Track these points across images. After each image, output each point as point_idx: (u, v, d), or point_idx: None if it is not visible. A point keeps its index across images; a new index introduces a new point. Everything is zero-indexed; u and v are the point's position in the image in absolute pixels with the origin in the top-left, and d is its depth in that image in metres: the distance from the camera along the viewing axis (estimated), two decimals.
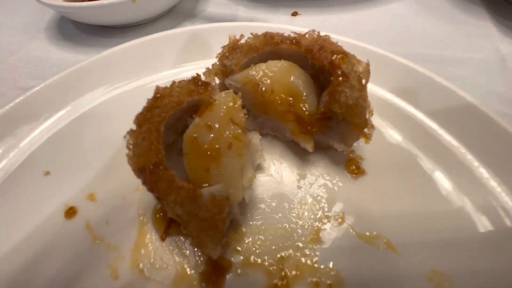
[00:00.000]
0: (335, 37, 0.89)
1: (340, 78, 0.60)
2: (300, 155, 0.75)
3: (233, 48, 0.71)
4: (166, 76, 0.93)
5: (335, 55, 0.62)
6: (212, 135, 0.57)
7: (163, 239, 0.63)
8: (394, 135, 0.76)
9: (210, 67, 0.72)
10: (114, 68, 0.91)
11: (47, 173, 0.74)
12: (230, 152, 0.58)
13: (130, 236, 0.63)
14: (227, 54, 0.70)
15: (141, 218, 0.66)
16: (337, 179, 0.71)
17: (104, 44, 1.28)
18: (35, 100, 0.81)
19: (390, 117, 0.79)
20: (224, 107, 0.59)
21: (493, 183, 0.65)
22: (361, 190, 0.68)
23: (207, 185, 0.56)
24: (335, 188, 0.69)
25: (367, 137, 0.64)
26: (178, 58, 0.98)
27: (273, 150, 0.77)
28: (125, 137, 0.55)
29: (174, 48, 0.98)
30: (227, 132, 0.58)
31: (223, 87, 0.75)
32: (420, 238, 0.60)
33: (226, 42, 0.72)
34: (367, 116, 0.61)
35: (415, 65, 0.82)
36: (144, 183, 0.50)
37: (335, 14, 1.37)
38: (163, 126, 0.55)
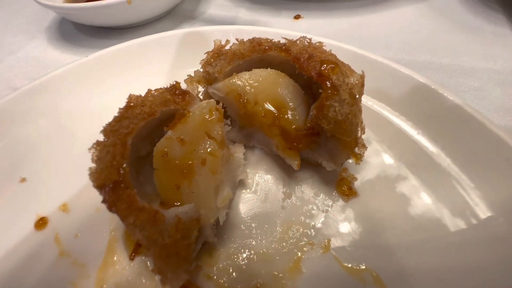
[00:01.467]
0: (332, 43, 0.84)
1: (330, 91, 0.54)
2: (287, 171, 0.70)
3: (217, 54, 0.66)
4: (157, 81, 0.90)
5: (325, 65, 0.56)
6: (184, 150, 0.53)
7: (131, 258, 0.58)
8: (391, 156, 0.69)
9: (193, 75, 0.67)
10: (99, 72, 0.88)
11: (23, 179, 0.71)
12: (203, 169, 0.53)
13: (99, 252, 0.59)
14: (211, 60, 0.66)
15: (112, 234, 0.62)
16: (326, 200, 0.64)
17: (102, 46, 1.24)
18: (16, 104, 0.79)
19: (388, 135, 0.71)
20: (199, 119, 0.54)
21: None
22: (351, 215, 0.62)
23: (178, 204, 0.52)
24: (323, 210, 0.63)
25: (358, 158, 0.57)
26: (171, 61, 0.94)
27: (259, 165, 0.72)
28: (90, 149, 0.51)
29: (167, 50, 0.95)
30: (201, 147, 0.54)
31: (207, 95, 0.70)
32: (413, 273, 0.53)
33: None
34: (358, 134, 0.55)
35: (420, 76, 0.74)
36: (103, 201, 0.46)
37: (340, 18, 1.30)
38: (131, 139, 0.51)
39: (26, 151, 0.75)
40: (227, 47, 0.67)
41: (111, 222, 0.64)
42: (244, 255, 0.57)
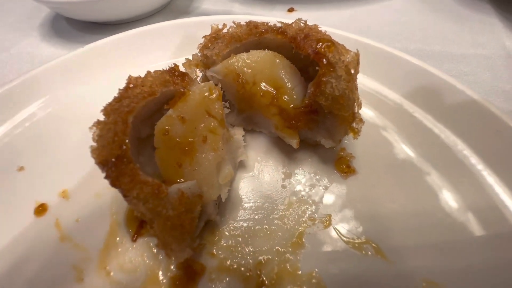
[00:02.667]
0: (330, 31, 0.86)
1: (326, 68, 0.56)
2: (286, 152, 0.71)
3: (215, 38, 0.67)
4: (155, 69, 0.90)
5: (321, 43, 0.57)
6: (185, 128, 0.53)
7: (134, 240, 0.58)
8: (388, 132, 0.71)
9: (191, 58, 0.68)
10: (93, 62, 0.88)
11: (21, 168, 0.71)
12: (204, 146, 0.54)
13: (100, 236, 0.59)
14: (208, 44, 0.66)
15: (113, 217, 0.62)
16: (325, 178, 0.65)
17: (95, 41, 1.26)
18: (12, 94, 0.78)
19: (385, 112, 0.73)
20: (199, 97, 0.55)
21: (493, 183, 0.59)
22: (351, 191, 0.63)
23: (180, 181, 0.52)
24: (323, 188, 0.64)
25: (355, 132, 0.59)
26: (165, 52, 0.95)
27: (258, 147, 0.72)
28: (91, 128, 0.51)
29: (162, 42, 0.95)
30: (202, 125, 0.54)
31: (206, 79, 0.71)
32: (412, 244, 0.54)
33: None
34: (355, 109, 0.56)
35: (413, 58, 0.76)
36: (106, 177, 0.46)
37: (333, 10, 1.33)
38: (132, 117, 0.51)
39: (23, 140, 0.74)
40: (224, 31, 0.68)
41: (112, 207, 0.64)
42: (247, 233, 0.58)
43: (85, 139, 0.73)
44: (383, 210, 0.59)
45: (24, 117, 0.77)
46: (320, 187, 0.64)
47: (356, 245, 0.55)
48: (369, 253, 0.54)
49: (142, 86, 0.55)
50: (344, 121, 0.56)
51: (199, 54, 0.68)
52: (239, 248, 0.56)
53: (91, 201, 0.65)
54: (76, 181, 0.68)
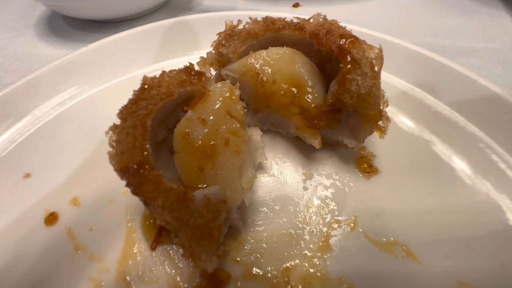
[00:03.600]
0: (348, 27, 0.84)
1: (351, 65, 0.53)
2: (305, 152, 0.69)
3: (229, 35, 0.64)
4: (156, 70, 0.87)
5: (344, 39, 0.55)
6: (206, 130, 0.51)
7: (153, 248, 0.56)
8: (410, 128, 0.69)
9: (205, 56, 0.65)
10: (98, 62, 0.85)
11: (27, 175, 0.67)
12: (227, 149, 0.51)
13: (117, 245, 0.56)
14: (223, 41, 0.64)
15: (129, 225, 0.59)
16: (348, 178, 0.64)
17: (95, 40, 1.20)
18: (14, 97, 0.74)
19: (405, 108, 0.72)
20: (220, 98, 0.52)
21: None
22: (375, 191, 0.61)
23: (202, 186, 0.50)
24: (346, 188, 0.62)
25: (382, 131, 0.57)
26: (169, 50, 0.91)
27: (275, 148, 0.70)
28: (107, 133, 0.48)
29: (164, 39, 0.92)
30: (224, 127, 0.52)
31: (220, 78, 0.68)
32: (443, 244, 0.53)
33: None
34: (381, 107, 0.54)
35: (431, 53, 0.75)
36: (128, 185, 0.43)
37: (339, 5, 1.30)
38: (150, 120, 0.48)
39: (28, 145, 0.71)
40: (240, 27, 0.65)
41: (127, 213, 0.61)
42: (271, 237, 0.56)
43: (94, 143, 0.71)
44: (409, 210, 0.58)
45: (28, 121, 0.74)
46: (343, 188, 0.62)
47: (385, 247, 0.54)
48: (399, 255, 0.53)
49: (159, 87, 0.52)
50: (370, 120, 0.54)
51: (213, 52, 0.65)
52: (264, 254, 0.54)
53: (104, 208, 0.62)
54: (87, 187, 0.65)
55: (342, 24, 0.80)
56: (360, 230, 0.56)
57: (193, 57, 0.83)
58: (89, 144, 0.71)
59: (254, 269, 0.52)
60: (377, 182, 0.62)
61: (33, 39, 1.24)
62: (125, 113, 0.49)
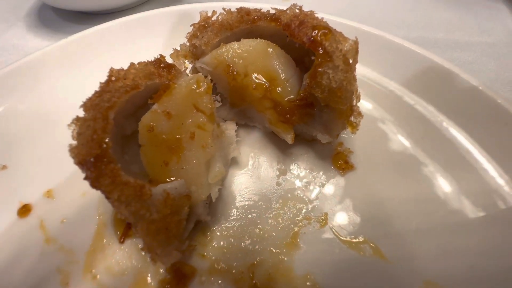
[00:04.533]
0: (327, 17, 0.81)
1: (322, 58, 0.52)
2: (281, 148, 0.67)
3: (203, 26, 0.62)
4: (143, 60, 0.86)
5: (317, 31, 0.53)
6: (171, 124, 0.50)
7: (121, 241, 0.56)
8: (388, 125, 0.67)
9: (178, 48, 0.64)
10: (78, 53, 0.84)
11: (4, 167, 0.67)
12: (192, 144, 0.50)
13: (86, 237, 0.57)
14: (197, 33, 0.62)
15: (100, 218, 0.59)
16: (322, 175, 0.62)
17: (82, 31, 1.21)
18: None
19: (384, 104, 0.70)
20: (186, 91, 0.51)
21: (499, 179, 0.56)
22: (348, 188, 0.60)
23: (169, 180, 0.49)
24: (319, 185, 0.61)
25: (354, 126, 0.55)
26: (155, 42, 0.90)
27: (252, 142, 0.69)
28: (69, 125, 0.47)
29: (152, 31, 0.91)
30: (190, 120, 0.51)
31: (195, 71, 0.67)
32: (412, 244, 0.52)
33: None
34: (353, 102, 0.53)
35: (414, 46, 0.72)
36: (86, 178, 0.43)
37: None
38: (113, 113, 0.48)
39: (4, 137, 0.71)
40: (214, 18, 0.63)
41: (99, 206, 0.61)
42: (239, 233, 0.55)
43: (70, 136, 0.71)
44: (382, 208, 0.56)
45: (4, 112, 0.74)
46: (317, 185, 0.61)
47: (354, 245, 0.53)
48: (367, 253, 0.52)
49: (125, 79, 0.51)
50: (342, 115, 0.53)
51: (188, 44, 0.64)
52: (231, 249, 0.54)
53: (77, 201, 0.62)
54: (61, 180, 0.65)
55: (325, 15, 0.78)
56: (330, 227, 0.55)
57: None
58: (64, 136, 0.71)
59: (220, 264, 0.52)
60: (351, 179, 0.61)
61: (23, 30, 1.24)
62: (88, 105, 0.48)
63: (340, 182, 0.61)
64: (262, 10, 0.63)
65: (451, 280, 0.47)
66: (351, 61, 0.53)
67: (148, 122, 0.50)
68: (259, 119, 0.68)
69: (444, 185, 0.58)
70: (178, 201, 0.45)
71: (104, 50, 0.86)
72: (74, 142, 0.46)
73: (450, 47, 0.99)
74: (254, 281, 0.50)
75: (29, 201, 0.62)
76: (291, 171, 0.64)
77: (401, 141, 0.65)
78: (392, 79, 0.73)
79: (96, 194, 0.61)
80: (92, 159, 0.42)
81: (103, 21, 1.23)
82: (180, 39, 0.90)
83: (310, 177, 0.62)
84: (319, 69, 0.52)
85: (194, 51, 0.64)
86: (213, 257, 0.53)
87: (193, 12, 0.89)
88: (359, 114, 0.55)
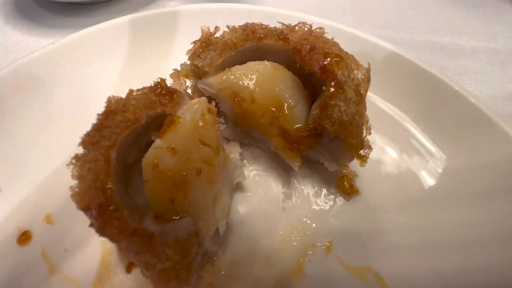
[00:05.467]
0: (331, 25, 0.77)
1: (334, 89, 0.49)
2: (286, 169, 0.66)
3: (206, 44, 0.58)
4: (138, 68, 0.80)
5: (329, 59, 0.50)
6: (176, 160, 0.48)
7: (128, 271, 0.56)
8: (393, 149, 0.67)
9: (179, 68, 0.60)
10: (67, 63, 0.77)
11: None
12: (199, 180, 0.49)
13: (92, 266, 0.56)
14: (199, 51, 0.58)
15: (104, 245, 0.58)
16: (327, 199, 0.63)
17: (70, 25, 1.11)
18: None
19: (388, 130, 0.68)
20: (191, 125, 0.48)
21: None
22: (353, 214, 0.61)
23: (175, 218, 0.48)
24: (324, 210, 0.61)
25: (363, 160, 0.55)
26: (155, 44, 0.84)
27: (256, 163, 0.68)
28: (68, 165, 0.45)
29: (152, 32, 0.84)
30: (196, 155, 0.49)
31: (196, 90, 0.64)
32: (413, 271, 0.54)
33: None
34: (364, 135, 0.52)
35: (423, 63, 0.69)
36: (91, 225, 0.42)
37: None
38: (115, 152, 0.45)
39: None
40: (217, 35, 0.59)
41: None
42: (246, 261, 0.56)
43: (66, 156, 0.68)
44: (385, 235, 0.58)
45: None
46: (322, 210, 0.61)
47: (357, 272, 0.55)
48: (370, 281, 0.54)
49: (124, 111, 0.48)
50: (351, 148, 0.52)
51: (188, 63, 0.59)
52: (239, 278, 0.55)
53: (79, 227, 0.60)
54: (60, 204, 0.63)
55: (318, 19, 0.73)
56: (335, 254, 0.56)
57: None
58: (61, 157, 0.68)
59: None
60: (356, 204, 0.62)
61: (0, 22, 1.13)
62: (87, 142, 0.45)
63: (345, 207, 0.62)
64: (268, 27, 0.58)
65: None
66: (362, 91, 0.51)
67: (152, 159, 0.47)
68: (264, 141, 0.66)
69: (448, 214, 0.59)
70: (187, 243, 0.45)
71: (101, 52, 0.80)
72: (74, 182, 0.44)
73: (456, 53, 0.96)
74: None
75: (28, 227, 0.60)
76: (296, 194, 0.64)
77: (406, 166, 0.65)
78: (393, 103, 0.71)
79: None
80: (96, 209, 0.40)
81: (88, 12, 1.14)
82: (176, 40, 0.85)
83: (316, 201, 0.63)
84: (331, 102, 0.50)
85: (195, 70, 0.60)
86: (221, 286, 0.54)
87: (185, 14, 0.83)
88: (369, 147, 0.54)
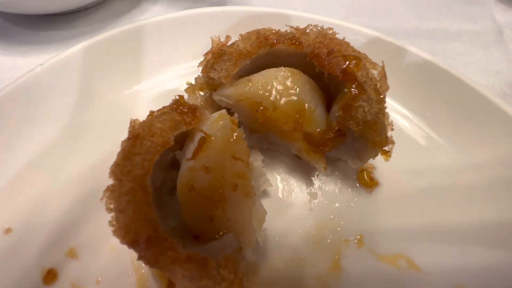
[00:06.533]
0: (325, 20, 0.77)
1: (356, 90, 0.51)
2: (307, 170, 0.68)
3: (218, 55, 0.57)
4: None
5: (348, 61, 0.51)
6: (211, 178, 0.47)
7: None
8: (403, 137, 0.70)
9: (193, 82, 0.58)
10: (63, 87, 0.72)
11: (8, 230, 0.60)
12: (236, 195, 0.49)
13: None
14: (213, 63, 0.56)
15: (138, 271, 0.57)
16: (351, 194, 0.65)
17: (48, 40, 1.02)
18: None
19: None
20: (223, 142, 0.48)
21: None
22: (377, 205, 0.64)
23: (214, 237, 0.48)
24: (350, 205, 0.64)
25: (387, 155, 0.57)
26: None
27: (276, 167, 0.69)
28: (101, 199, 0.43)
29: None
30: (229, 171, 0.48)
31: (211, 101, 0.62)
32: (441, 251, 0.58)
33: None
34: (388, 133, 0.54)
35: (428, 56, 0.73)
36: (140, 258, 0.40)
37: None
38: (150, 180, 0.44)
39: (1, 193, 0.62)
40: (228, 44, 0.57)
41: (132, 258, 0.58)
42: (285, 265, 0.57)
43: (82, 179, 0.64)
44: (411, 221, 0.61)
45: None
46: (348, 205, 0.64)
47: (390, 260, 0.58)
48: (403, 266, 0.57)
49: (152, 136, 0.46)
50: (376, 145, 0.54)
51: (202, 76, 0.58)
52: (281, 282, 0.56)
53: (106, 257, 0.58)
54: (81, 235, 0.60)
55: (336, 19, 0.74)
56: (367, 246, 0.59)
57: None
58: (75, 184, 0.64)
59: None
60: (379, 195, 0.65)
61: None
62: (118, 173, 0.43)
63: (368, 199, 0.64)
64: (280, 32, 0.58)
65: (478, 283, 0.54)
66: (381, 91, 0.53)
67: (188, 181, 0.47)
68: (283, 145, 0.66)
69: (467, 192, 0.63)
70: (235, 259, 0.45)
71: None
72: (110, 215, 0.42)
73: (443, 37, 1.01)
74: None
75: (52, 265, 0.57)
76: (321, 194, 0.65)
77: (419, 148, 0.68)
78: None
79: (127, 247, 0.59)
80: (145, 242, 0.39)
81: (66, 23, 1.06)
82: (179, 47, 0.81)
83: (341, 198, 0.65)
84: (354, 103, 0.51)
85: (210, 82, 0.58)
86: None
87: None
88: (392, 142, 0.56)
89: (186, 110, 0.50)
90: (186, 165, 0.47)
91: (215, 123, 0.50)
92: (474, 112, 0.68)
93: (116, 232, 0.41)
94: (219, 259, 0.43)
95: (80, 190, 0.64)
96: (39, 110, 0.70)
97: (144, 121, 0.48)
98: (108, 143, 0.55)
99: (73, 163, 0.67)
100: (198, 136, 0.48)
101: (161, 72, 0.81)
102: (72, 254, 0.59)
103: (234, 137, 0.48)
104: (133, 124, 0.47)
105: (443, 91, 0.71)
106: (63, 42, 1.03)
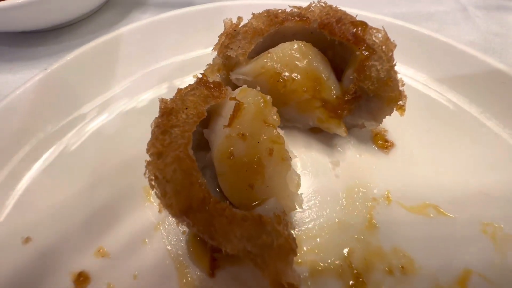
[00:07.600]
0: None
1: (367, 52, 0.55)
2: (325, 141, 0.70)
3: (232, 35, 0.59)
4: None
5: (355, 27, 0.55)
6: (247, 145, 0.48)
7: (211, 275, 0.53)
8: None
9: (211, 63, 0.60)
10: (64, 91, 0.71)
11: (27, 239, 0.56)
12: (272, 159, 0.50)
13: (172, 284, 0.52)
14: (227, 43, 0.59)
15: (176, 259, 0.55)
16: (370, 157, 0.68)
17: (36, 55, 1.00)
18: None
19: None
20: (255, 109, 0.49)
21: None
22: (396, 163, 0.67)
23: (255, 204, 0.48)
24: (372, 167, 0.66)
25: (403, 109, 0.61)
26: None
27: (296, 143, 0.70)
28: (145, 174, 0.42)
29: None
30: (264, 137, 0.49)
31: (227, 81, 0.64)
32: (465, 195, 0.61)
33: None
34: (400, 87, 0.58)
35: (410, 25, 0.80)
36: (193, 225, 0.40)
37: None
38: (191, 149, 0.44)
39: (17, 205, 0.58)
40: (241, 25, 0.60)
41: (169, 250, 0.56)
42: (322, 231, 0.58)
43: (97, 181, 0.62)
44: (430, 171, 0.65)
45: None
46: (370, 168, 0.66)
47: (419, 210, 0.60)
48: (432, 214, 0.60)
49: (186, 108, 0.46)
50: (391, 101, 0.58)
51: (219, 56, 0.60)
52: (322, 248, 0.56)
53: (139, 250, 0.56)
54: (107, 233, 0.57)
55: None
56: (395, 201, 0.62)
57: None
58: (95, 181, 0.62)
59: (318, 265, 0.54)
60: (396, 155, 0.68)
61: None
62: (159, 146, 0.43)
63: (387, 159, 0.68)
64: (286, 11, 0.62)
65: (503, 218, 0.58)
66: (388, 50, 0.57)
67: (226, 149, 0.47)
68: (300, 119, 0.69)
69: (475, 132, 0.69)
70: (285, 219, 0.45)
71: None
72: (153, 193, 0.41)
73: (419, 19, 1.11)
74: (355, 271, 0.54)
75: (82, 267, 0.54)
76: (343, 161, 0.68)
77: (426, 104, 0.74)
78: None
79: (158, 238, 0.57)
80: (199, 205, 0.39)
81: (53, 38, 1.04)
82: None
83: (361, 162, 0.67)
84: (367, 63, 0.55)
85: (226, 63, 0.60)
86: (309, 261, 0.55)
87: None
88: (405, 96, 0.60)
89: (212, 86, 0.52)
90: (223, 134, 0.48)
91: (244, 92, 0.52)
92: (465, 67, 0.75)
93: (166, 203, 0.40)
94: (272, 217, 0.43)
95: (96, 190, 0.62)
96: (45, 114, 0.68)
97: (173, 98, 0.49)
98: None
99: (86, 166, 0.65)
100: (230, 104, 0.49)
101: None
102: (101, 253, 0.55)
103: (263, 104, 0.50)
104: (164, 101, 0.47)
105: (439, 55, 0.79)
106: (52, 56, 1.01)
